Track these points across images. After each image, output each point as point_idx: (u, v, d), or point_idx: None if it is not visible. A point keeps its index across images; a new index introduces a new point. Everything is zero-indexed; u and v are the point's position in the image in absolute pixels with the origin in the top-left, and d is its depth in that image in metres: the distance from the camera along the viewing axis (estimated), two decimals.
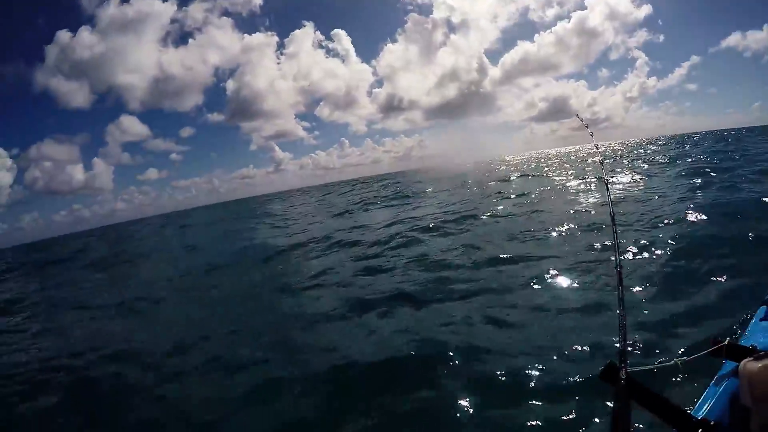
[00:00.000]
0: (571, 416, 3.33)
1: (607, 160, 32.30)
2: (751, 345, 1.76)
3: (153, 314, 9.01)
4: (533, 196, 16.55)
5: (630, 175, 17.55)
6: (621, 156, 37.47)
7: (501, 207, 14.56)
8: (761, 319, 2.25)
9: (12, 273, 24.97)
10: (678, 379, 3.12)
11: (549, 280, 6.32)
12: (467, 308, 5.80)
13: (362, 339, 5.44)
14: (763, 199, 8.83)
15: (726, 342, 1.72)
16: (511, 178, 26.70)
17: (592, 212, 10.88)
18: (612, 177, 17.76)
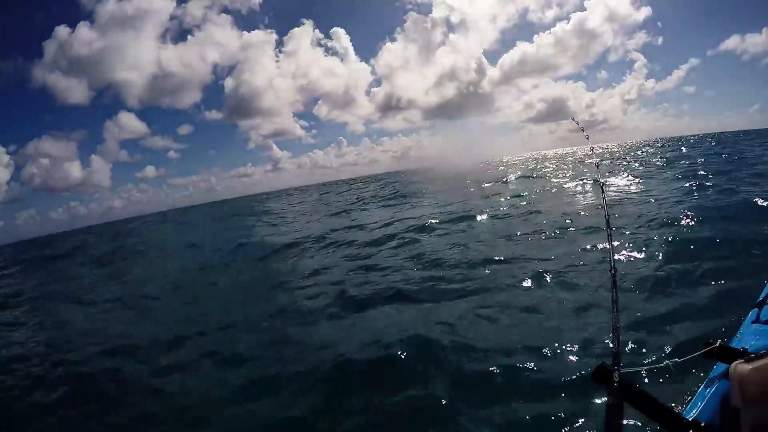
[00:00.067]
0: (562, 415, 3.34)
1: (605, 161, 32.41)
2: (742, 347, 1.77)
3: (150, 310, 9.02)
4: (530, 197, 16.57)
5: (626, 178, 17.59)
6: (618, 158, 37.56)
7: (498, 208, 14.58)
8: (752, 322, 2.26)
9: (9, 269, 24.93)
10: (669, 381, 3.13)
11: (543, 281, 6.33)
12: (461, 307, 5.82)
13: (356, 337, 5.45)
14: (758, 203, 8.87)
15: (717, 344, 1.73)
16: (509, 179, 26.68)
17: (588, 214, 10.91)
18: (608, 179, 17.82)
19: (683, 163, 23.05)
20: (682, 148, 43.22)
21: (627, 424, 1.38)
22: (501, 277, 6.76)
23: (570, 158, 54.64)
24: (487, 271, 7.19)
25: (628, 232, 8.11)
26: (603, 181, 3.67)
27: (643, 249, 6.99)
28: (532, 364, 4.09)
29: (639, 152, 45.84)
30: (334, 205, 28.02)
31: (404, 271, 8.06)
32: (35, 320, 9.99)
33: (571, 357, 4.12)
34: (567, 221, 10.31)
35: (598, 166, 4.16)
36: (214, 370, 5.29)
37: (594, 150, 4.50)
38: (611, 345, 1.61)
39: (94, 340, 7.17)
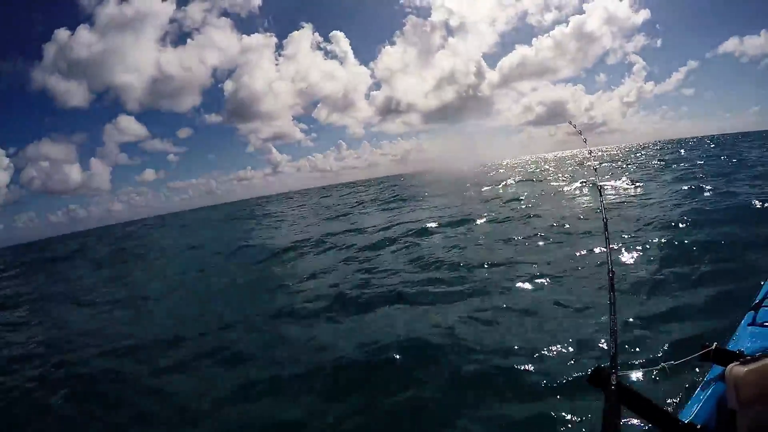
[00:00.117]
0: (559, 416, 3.35)
1: (605, 164, 32.45)
2: (738, 350, 1.78)
3: (150, 312, 9.06)
4: (529, 200, 16.61)
5: (625, 181, 17.59)
6: (617, 160, 37.62)
7: (497, 211, 14.59)
8: (749, 324, 2.27)
9: (10, 272, 24.99)
10: (666, 383, 3.13)
11: (541, 284, 6.34)
12: (460, 310, 5.82)
13: (354, 338, 5.46)
14: (756, 205, 8.89)
15: (713, 346, 1.74)
16: (508, 182, 26.72)
17: (587, 217, 10.93)
18: (608, 182, 17.86)
19: (682, 166, 23.10)
20: (681, 150, 43.32)
21: (624, 426, 1.38)
22: (499, 280, 6.76)
23: (569, 161, 54.77)
24: (485, 274, 7.19)
25: (626, 236, 8.11)
26: (601, 184, 3.67)
27: (641, 252, 7.01)
28: (529, 365, 4.10)
29: (638, 155, 45.97)
30: (333, 208, 28.03)
31: (403, 274, 8.06)
32: (36, 321, 10.06)
33: (568, 359, 4.12)
34: (566, 225, 10.33)
35: (596, 170, 4.17)
36: (214, 371, 5.30)
37: (591, 153, 4.51)
38: (608, 347, 1.61)
39: (94, 341, 7.21)
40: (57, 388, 5.55)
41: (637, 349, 3.97)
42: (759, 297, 2.54)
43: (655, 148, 68.21)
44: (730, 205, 9.47)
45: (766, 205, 8.75)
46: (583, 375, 3.66)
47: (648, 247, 7.21)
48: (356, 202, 30.42)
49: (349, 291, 7.44)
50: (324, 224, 19.46)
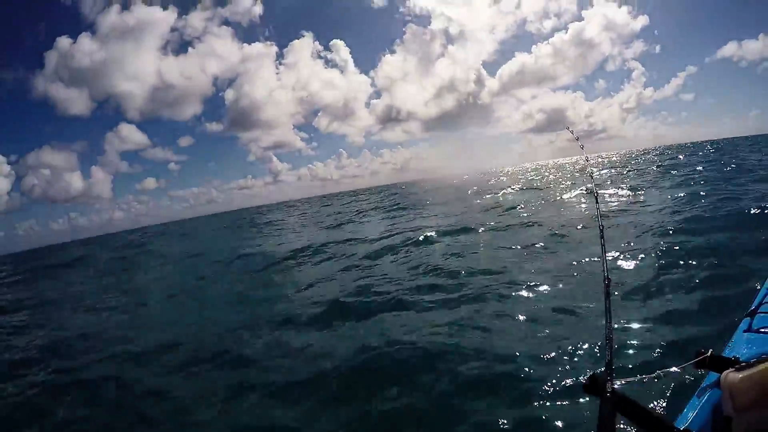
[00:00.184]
0: (554, 423, 3.36)
1: (605, 171, 32.49)
2: (734, 356, 1.78)
3: (150, 318, 9.15)
4: (529, 208, 16.63)
5: (624, 187, 17.64)
6: (617, 167, 37.65)
7: (496, 219, 14.61)
8: (745, 331, 2.26)
9: (13, 278, 25.15)
10: (662, 390, 3.13)
11: (539, 292, 6.35)
12: (457, 316, 5.84)
13: (352, 344, 5.48)
14: (754, 210, 8.90)
15: (709, 353, 1.74)
16: (508, 190, 26.78)
17: (585, 225, 10.92)
18: (608, 189, 17.88)
19: (681, 171, 23.13)
20: (681, 155, 43.34)
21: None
22: (498, 287, 6.76)
23: (569, 168, 54.81)
24: (484, 282, 7.18)
25: (624, 243, 8.11)
26: (597, 191, 3.69)
27: (639, 259, 7.01)
28: (526, 372, 4.11)
29: (638, 161, 45.98)
30: (334, 216, 28.06)
31: (402, 282, 8.07)
32: (37, 326, 10.14)
33: (565, 365, 4.11)
34: (564, 232, 10.37)
35: (592, 176, 4.20)
36: (214, 377, 5.33)
37: (588, 160, 4.53)
38: (604, 354, 1.62)
39: (95, 347, 7.30)
40: (58, 392, 5.61)
41: (633, 357, 3.97)
42: (755, 303, 2.53)
43: (655, 153, 68.29)
44: (730, 211, 9.46)
45: (765, 210, 8.76)
46: (579, 382, 3.68)
47: (645, 253, 7.21)
48: (357, 210, 30.44)
49: (348, 298, 7.45)
50: (324, 232, 19.51)
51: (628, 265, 6.86)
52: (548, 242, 9.53)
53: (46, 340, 8.45)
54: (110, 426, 4.63)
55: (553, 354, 4.34)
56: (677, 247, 7.19)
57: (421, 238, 12.17)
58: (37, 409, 5.28)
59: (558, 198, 18.61)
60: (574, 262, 7.44)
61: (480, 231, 12.45)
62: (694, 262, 6.37)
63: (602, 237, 2.45)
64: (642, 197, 14.79)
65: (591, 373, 1.49)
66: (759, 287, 2.93)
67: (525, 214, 14.90)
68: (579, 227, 10.82)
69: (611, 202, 14.59)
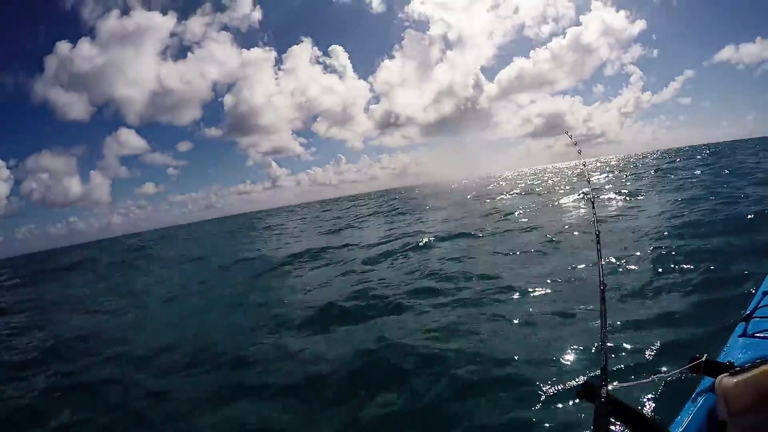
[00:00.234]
0: (548, 427, 3.37)
1: (603, 175, 32.58)
2: (728, 361, 1.78)
3: (149, 322, 9.15)
4: (527, 213, 16.68)
5: (622, 191, 17.67)
6: (615, 171, 37.76)
7: (495, 224, 14.64)
8: (740, 336, 2.26)
9: (12, 281, 25.43)
10: (656, 396, 3.13)
11: (536, 296, 6.36)
12: (453, 320, 5.84)
13: (348, 348, 5.49)
14: (751, 214, 8.92)
15: (704, 358, 1.74)
16: (506, 195, 26.88)
17: (582, 230, 10.94)
18: (604, 194, 17.94)
19: (679, 175, 23.20)
20: (679, 159, 43.48)
21: None
22: (495, 292, 6.76)
23: (568, 172, 54.96)
24: (481, 286, 7.18)
25: (620, 247, 8.12)
26: (594, 196, 3.72)
27: (634, 263, 7.03)
28: (522, 375, 4.12)
29: (636, 165, 46.10)
30: (332, 221, 28.13)
31: (400, 286, 8.06)
32: (37, 329, 10.17)
33: (560, 369, 4.12)
34: (562, 237, 10.39)
35: (589, 181, 4.21)
36: (211, 380, 5.34)
37: (585, 165, 4.55)
38: (599, 359, 1.62)
39: (94, 350, 7.33)
40: (58, 395, 5.65)
41: (628, 361, 3.96)
42: (750, 308, 2.54)
43: (653, 157, 68.46)
44: (727, 216, 9.46)
45: (762, 214, 8.78)
46: (574, 385, 3.68)
47: (642, 258, 7.23)
48: (355, 215, 30.53)
49: (346, 302, 7.47)
50: (323, 237, 19.54)
51: (625, 269, 6.87)
52: (546, 247, 9.55)
53: (46, 343, 8.47)
54: (110, 429, 4.65)
55: (549, 358, 4.35)
56: (674, 252, 7.20)
57: (419, 243, 12.19)
58: (37, 411, 5.29)
59: (556, 203, 18.63)
60: (571, 267, 7.44)
61: (478, 236, 12.45)
62: (690, 267, 6.37)
63: (598, 242, 2.46)
64: (640, 202, 14.82)
65: (586, 378, 1.50)
66: (754, 292, 2.94)
67: (523, 219, 14.91)
68: (576, 232, 10.86)
69: (609, 206, 14.62)
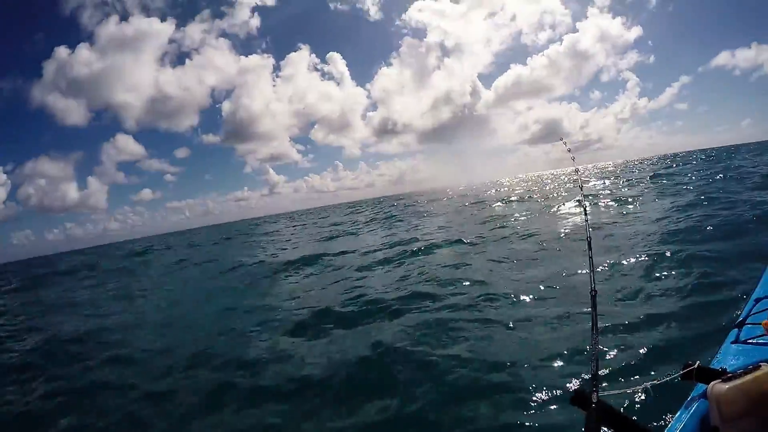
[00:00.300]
0: (540, 429, 3.38)
1: (599, 182, 32.71)
2: (721, 367, 1.78)
3: (146, 325, 9.21)
4: (523, 219, 16.80)
5: (618, 197, 17.75)
6: (611, 177, 37.93)
7: (490, 231, 14.68)
8: (732, 342, 2.27)
9: (11, 286, 25.59)
10: (649, 403, 3.12)
11: (529, 302, 6.38)
12: (445, 326, 5.84)
13: (340, 353, 5.56)
14: (746, 219, 8.94)
15: (696, 365, 1.74)
16: (503, 202, 26.95)
17: (578, 236, 10.95)
18: (600, 199, 18.06)
19: (675, 180, 23.37)
20: (675, 165, 43.73)
21: None
22: (488, 298, 6.75)
23: (565, 179, 55.16)
24: (475, 292, 7.16)
25: (615, 253, 8.11)
26: (585, 203, 3.74)
27: (629, 270, 7.05)
28: (514, 381, 4.14)
29: (633, 171, 46.34)
30: (329, 228, 28.17)
31: (394, 292, 8.05)
32: (35, 332, 10.22)
33: (551, 374, 4.12)
34: (556, 243, 10.44)
35: (581, 188, 4.23)
36: (207, 383, 5.37)
37: (578, 171, 4.56)
38: (590, 366, 1.62)
39: (91, 354, 7.35)
40: (54, 397, 5.68)
41: (621, 368, 3.95)
42: (743, 314, 2.54)
43: (650, 163, 68.86)
44: (722, 221, 9.48)
45: (757, 219, 8.81)
46: (567, 389, 3.69)
47: (636, 264, 7.24)
48: (353, 222, 30.65)
49: (341, 308, 7.51)
50: (319, 244, 19.61)
51: (619, 275, 6.89)
52: (540, 253, 9.58)
53: (44, 346, 8.49)
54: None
55: (543, 363, 4.35)
56: (668, 258, 7.22)
57: (415, 249, 12.24)
58: (35, 415, 5.33)
59: (552, 209, 18.68)
60: (565, 274, 7.46)
61: (474, 242, 12.47)
62: (684, 272, 6.38)
63: (590, 249, 2.46)
64: (636, 208, 14.88)
65: (578, 382, 1.50)
66: (747, 298, 2.94)
67: (519, 226, 14.95)
68: (571, 239, 10.86)
69: (605, 212, 14.68)
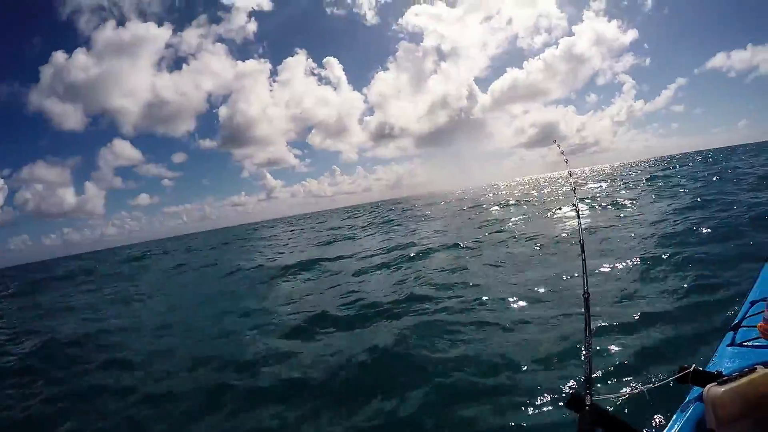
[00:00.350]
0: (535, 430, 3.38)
1: (595, 185, 32.78)
2: (717, 370, 1.78)
3: (144, 328, 9.21)
4: (519, 223, 16.84)
5: (614, 200, 17.79)
6: (606, 180, 38.05)
7: (487, 235, 14.69)
8: (728, 345, 2.27)
9: (8, 290, 25.57)
10: (645, 406, 3.11)
11: (523, 304, 6.39)
12: (441, 328, 5.87)
13: (337, 355, 5.56)
14: (742, 221, 8.96)
15: (692, 368, 1.75)
16: (499, 206, 27.00)
17: (573, 239, 10.97)
18: (596, 202, 18.14)
19: (671, 182, 23.44)
20: (671, 167, 43.87)
21: None
22: (484, 301, 6.77)
23: (561, 182, 55.26)
24: (471, 295, 7.17)
25: (611, 256, 8.13)
26: (578, 206, 3.76)
27: (624, 272, 7.07)
28: (508, 382, 4.15)
29: (629, 173, 46.47)
30: (326, 233, 28.17)
31: (391, 295, 8.06)
32: (34, 333, 10.30)
33: (547, 376, 4.12)
34: (552, 246, 10.48)
35: (574, 191, 4.26)
36: (205, 385, 5.38)
37: (571, 175, 4.58)
38: (584, 369, 1.62)
39: (89, 357, 7.37)
40: (53, 401, 5.68)
41: (616, 371, 3.95)
42: (739, 317, 2.55)
43: (646, 165, 69.07)
44: (718, 223, 9.51)
45: (753, 221, 8.83)
46: (562, 391, 3.70)
47: (632, 266, 7.26)
48: (350, 226, 30.64)
49: (337, 311, 7.52)
50: (317, 249, 19.58)
51: (615, 277, 6.90)
52: (537, 257, 9.62)
53: (43, 350, 8.47)
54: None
55: (538, 366, 4.36)
56: (664, 260, 7.23)
57: (412, 254, 12.23)
58: (34, 419, 5.32)
59: (548, 213, 18.71)
60: (561, 277, 7.47)
61: (471, 246, 12.46)
62: (680, 275, 6.40)
63: (583, 251, 2.46)
64: (632, 210, 14.91)
65: (574, 385, 1.50)
66: (743, 301, 2.95)
67: (515, 230, 14.96)
68: (567, 242, 10.87)
69: (602, 215, 14.69)
